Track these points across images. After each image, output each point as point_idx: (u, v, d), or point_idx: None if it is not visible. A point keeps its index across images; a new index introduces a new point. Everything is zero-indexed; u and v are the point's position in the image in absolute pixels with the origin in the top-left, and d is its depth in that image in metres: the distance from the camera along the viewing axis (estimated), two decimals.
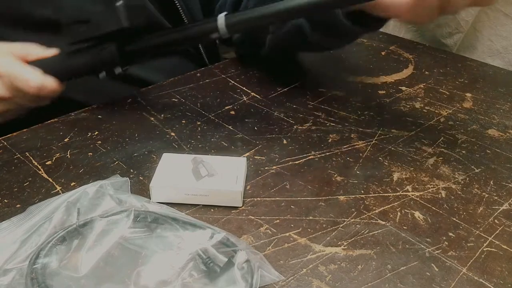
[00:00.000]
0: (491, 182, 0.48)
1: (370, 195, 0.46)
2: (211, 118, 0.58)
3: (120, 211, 0.40)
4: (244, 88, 0.65)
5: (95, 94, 0.62)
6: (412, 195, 0.46)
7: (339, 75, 0.71)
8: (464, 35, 0.83)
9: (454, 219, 0.44)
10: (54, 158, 0.50)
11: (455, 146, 0.54)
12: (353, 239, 0.41)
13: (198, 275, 0.36)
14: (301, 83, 0.67)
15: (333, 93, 0.65)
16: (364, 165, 0.50)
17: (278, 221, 0.43)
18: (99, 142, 0.53)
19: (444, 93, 0.66)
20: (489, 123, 0.59)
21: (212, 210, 0.44)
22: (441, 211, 0.45)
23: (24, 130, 0.55)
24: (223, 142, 0.54)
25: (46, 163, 0.49)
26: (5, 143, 0.52)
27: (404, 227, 0.43)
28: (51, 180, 0.47)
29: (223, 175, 0.45)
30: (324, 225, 0.43)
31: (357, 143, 0.54)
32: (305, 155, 0.52)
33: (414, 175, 0.49)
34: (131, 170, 0.49)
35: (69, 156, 0.51)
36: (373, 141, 0.54)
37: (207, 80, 0.67)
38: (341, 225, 0.43)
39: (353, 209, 0.44)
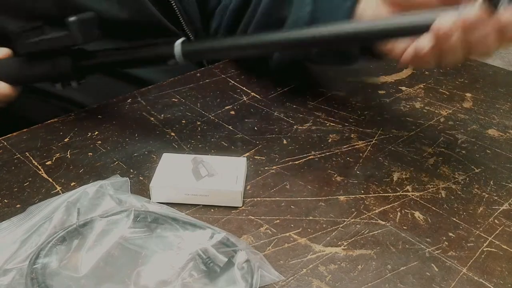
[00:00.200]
0: (491, 182, 0.48)
1: (370, 195, 0.46)
2: (211, 118, 0.58)
3: (120, 211, 0.40)
4: (244, 88, 0.65)
5: (95, 94, 0.62)
6: (412, 195, 0.46)
7: (339, 75, 0.71)
8: None
9: (454, 219, 0.44)
10: (54, 158, 0.50)
11: (455, 146, 0.54)
12: (353, 239, 0.41)
13: (198, 275, 0.36)
14: (301, 83, 0.67)
15: (333, 93, 0.65)
16: (364, 165, 0.50)
17: (278, 221, 0.43)
18: (99, 142, 0.53)
19: (444, 93, 0.66)
20: (489, 123, 0.59)
21: (212, 210, 0.44)
22: (441, 211, 0.45)
23: (24, 130, 0.54)
24: (223, 142, 0.54)
25: (46, 163, 0.49)
26: (5, 143, 0.52)
27: (404, 227, 0.43)
28: (51, 180, 0.47)
29: (223, 175, 0.45)
30: (324, 225, 0.43)
31: (357, 143, 0.54)
32: (305, 155, 0.52)
33: (414, 175, 0.49)
34: (131, 170, 0.49)
35: (69, 156, 0.51)
36: (373, 141, 0.54)
37: (207, 80, 0.67)
38: (341, 225, 0.43)
39: (353, 209, 0.44)
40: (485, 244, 0.41)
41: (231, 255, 0.37)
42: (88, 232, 0.39)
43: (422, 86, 0.67)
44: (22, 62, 0.53)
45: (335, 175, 0.49)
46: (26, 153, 0.51)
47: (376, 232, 0.42)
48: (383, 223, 0.43)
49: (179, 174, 0.45)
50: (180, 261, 0.37)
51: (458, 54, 0.38)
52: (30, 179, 0.47)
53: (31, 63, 0.52)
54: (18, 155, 0.50)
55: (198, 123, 0.57)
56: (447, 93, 0.66)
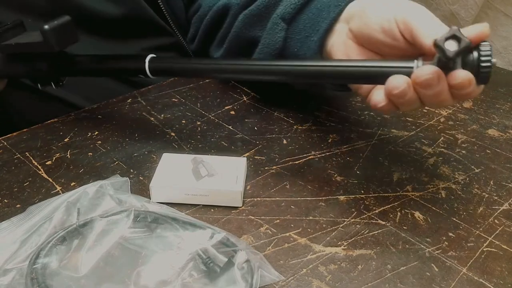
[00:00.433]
0: (491, 182, 0.48)
1: (370, 195, 0.46)
2: (211, 118, 0.58)
3: (120, 211, 0.40)
4: (244, 88, 0.65)
5: (94, 94, 0.62)
6: (412, 195, 0.46)
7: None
8: None
9: (454, 219, 0.44)
10: (54, 158, 0.50)
11: (455, 146, 0.54)
12: (353, 239, 0.41)
13: (198, 275, 0.36)
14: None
15: (333, 93, 0.64)
16: (364, 165, 0.50)
17: (278, 221, 0.43)
18: (99, 142, 0.53)
19: None
20: (489, 123, 0.59)
21: (212, 210, 0.44)
22: (441, 211, 0.45)
23: (24, 130, 0.55)
24: (223, 142, 0.54)
25: (46, 163, 0.49)
26: (5, 143, 0.52)
27: (404, 227, 0.43)
28: (51, 180, 0.47)
29: (223, 175, 0.45)
30: (324, 225, 0.43)
31: (357, 143, 0.54)
32: (305, 155, 0.52)
33: (414, 175, 0.49)
34: (131, 170, 0.49)
35: (69, 156, 0.51)
36: (373, 141, 0.54)
37: (207, 80, 0.67)
38: (341, 225, 0.43)
39: (353, 209, 0.44)
40: (485, 244, 0.41)
41: (231, 255, 0.37)
42: (88, 232, 0.39)
43: None
44: (2, 59, 0.52)
45: (335, 175, 0.49)
46: (26, 153, 0.51)
47: (376, 232, 0.42)
48: (383, 223, 0.43)
49: (179, 174, 0.45)
50: (180, 261, 0.37)
51: (414, 106, 0.39)
52: (30, 179, 0.47)
53: (10, 61, 0.52)
54: (18, 155, 0.50)
55: (198, 123, 0.57)
56: None
